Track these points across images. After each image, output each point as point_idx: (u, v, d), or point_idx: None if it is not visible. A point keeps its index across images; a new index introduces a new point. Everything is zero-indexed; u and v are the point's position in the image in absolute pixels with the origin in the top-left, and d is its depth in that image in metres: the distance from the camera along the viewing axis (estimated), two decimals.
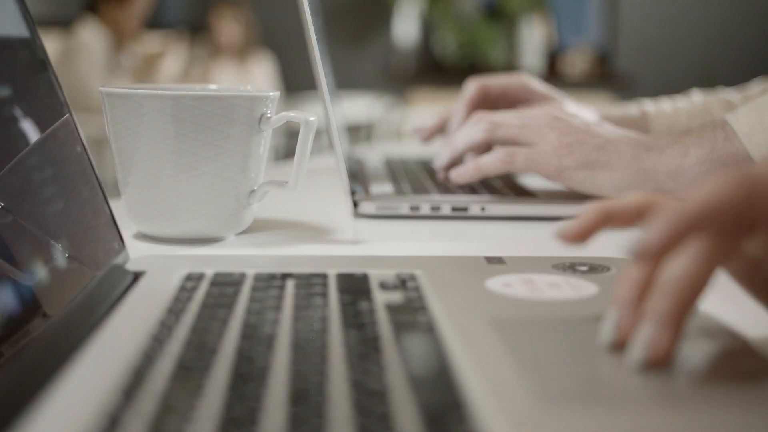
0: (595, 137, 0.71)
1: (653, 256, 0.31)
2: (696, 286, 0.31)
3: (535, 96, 0.92)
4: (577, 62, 4.82)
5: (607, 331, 0.34)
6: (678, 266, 0.31)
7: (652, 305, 0.31)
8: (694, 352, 0.33)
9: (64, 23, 3.25)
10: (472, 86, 0.92)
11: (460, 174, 0.75)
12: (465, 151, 0.78)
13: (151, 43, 3.14)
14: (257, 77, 3.58)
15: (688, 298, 0.31)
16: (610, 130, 0.73)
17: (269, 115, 0.60)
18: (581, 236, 0.36)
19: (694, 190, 0.31)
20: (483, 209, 0.72)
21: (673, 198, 0.37)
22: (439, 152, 0.85)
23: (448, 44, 4.73)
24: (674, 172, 0.68)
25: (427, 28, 4.83)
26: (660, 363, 0.31)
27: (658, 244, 0.31)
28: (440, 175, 0.82)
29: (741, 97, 0.89)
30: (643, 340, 0.31)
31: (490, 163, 0.73)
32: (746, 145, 0.66)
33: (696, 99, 0.91)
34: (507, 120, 0.75)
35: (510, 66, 4.60)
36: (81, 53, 2.83)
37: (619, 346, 0.33)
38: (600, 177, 0.70)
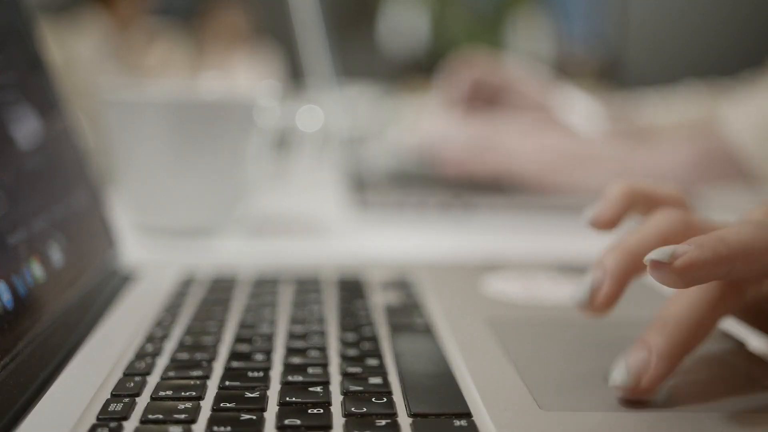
0: (574, 149, 0.74)
1: (683, 280, 0.29)
2: (700, 336, 0.30)
3: (527, 103, 0.92)
4: (583, 54, 4.79)
5: (581, 290, 0.32)
6: (686, 314, 0.30)
7: (654, 343, 0.30)
8: (693, 357, 0.33)
9: (60, 9, 3.23)
10: (465, 83, 0.92)
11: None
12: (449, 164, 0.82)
13: (145, 37, 3.12)
14: (240, 77, 3.54)
15: (691, 348, 0.30)
16: (592, 144, 0.76)
17: (266, 117, 0.62)
18: (612, 223, 0.34)
19: (735, 228, 0.29)
20: (486, 205, 0.72)
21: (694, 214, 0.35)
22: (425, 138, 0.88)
23: (449, 33, 4.71)
24: (656, 170, 0.69)
25: (432, 16, 4.80)
26: (642, 397, 0.29)
27: (695, 271, 0.28)
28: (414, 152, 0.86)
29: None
30: (635, 369, 0.29)
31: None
32: (737, 143, 0.66)
33: (698, 116, 0.92)
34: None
35: (513, 58, 4.57)
36: (77, 67, 2.80)
37: (586, 309, 0.32)
38: (578, 177, 0.72)
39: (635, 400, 0.29)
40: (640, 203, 0.35)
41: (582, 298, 0.32)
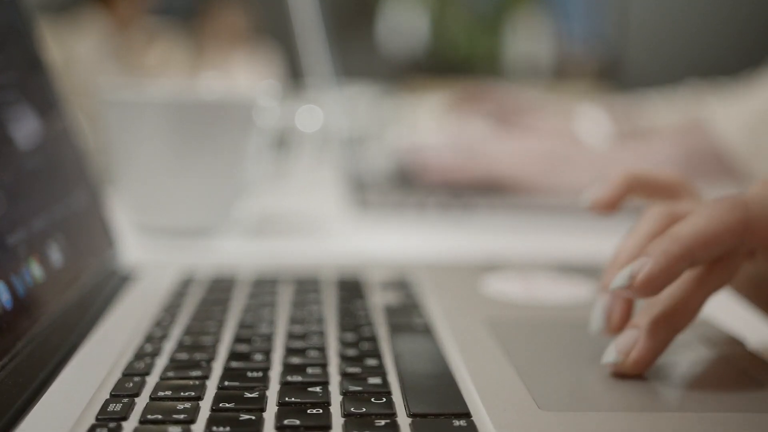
0: (559, 150, 0.74)
1: (649, 293, 0.30)
2: (688, 313, 0.31)
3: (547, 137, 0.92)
4: (583, 54, 4.79)
5: (596, 319, 0.33)
6: (673, 293, 0.31)
7: (641, 322, 0.31)
8: (692, 357, 0.33)
9: (60, 9, 3.23)
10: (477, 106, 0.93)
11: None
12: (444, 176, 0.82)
13: (145, 37, 3.12)
14: (240, 77, 3.54)
15: (679, 325, 0.31)
16: (578, 144, 0.76)
17: (266, 117, 0.62)
18: (611, 205, 0.36)
19: (690, 217, 0.30)
20: (486, 205, 0.72)
21: (690, 195, 0.36)
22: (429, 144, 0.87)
23: (449, 33, 4.70)
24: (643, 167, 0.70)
25: (432, 16, 4.79)
26: (631, 372, 0.30)
27: (655, 282, 0.29)
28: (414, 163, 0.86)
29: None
30: (623, 346, 0.30)
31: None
32: (725, 141, 0.66)
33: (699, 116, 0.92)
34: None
35: (513, 59, 4.57)
36: (77, 67, 2.79)
37: (609, 333, 0.33)
38: (561, 177, 0.72)
39: (637, 401, 0.29)
40: (641, 188, 0.36)
41: (599, 327, 0.33)
